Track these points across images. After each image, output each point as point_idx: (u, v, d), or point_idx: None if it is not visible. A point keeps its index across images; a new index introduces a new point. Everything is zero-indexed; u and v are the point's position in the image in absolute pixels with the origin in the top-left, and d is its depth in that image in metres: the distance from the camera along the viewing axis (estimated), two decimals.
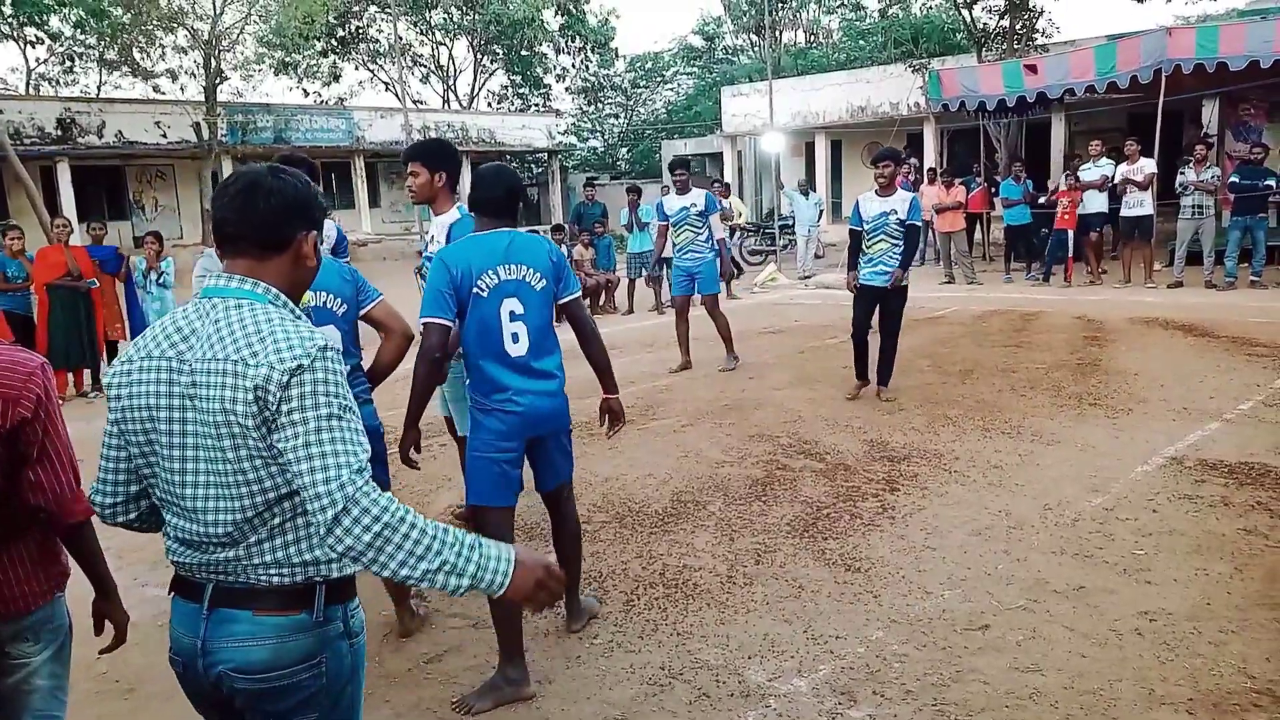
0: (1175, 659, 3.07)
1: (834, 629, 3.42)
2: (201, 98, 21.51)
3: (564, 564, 3.37)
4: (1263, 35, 12.05)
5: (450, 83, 34.16)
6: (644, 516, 4.69)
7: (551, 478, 3.32)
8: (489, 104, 35.15)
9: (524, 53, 33.27)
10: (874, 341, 6.80)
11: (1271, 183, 11.32)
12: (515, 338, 3.09)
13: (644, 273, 12.22)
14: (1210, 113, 15.93)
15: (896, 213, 6.41)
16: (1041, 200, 13.69)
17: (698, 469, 5.42)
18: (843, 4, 35.51)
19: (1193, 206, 11.56)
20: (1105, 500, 4.53)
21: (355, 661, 1.73)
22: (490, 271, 3.06)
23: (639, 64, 39.49)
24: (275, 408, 1.54)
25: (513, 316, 3.08)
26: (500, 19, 30.74)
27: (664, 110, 38.86)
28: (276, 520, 1.60)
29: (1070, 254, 12.73)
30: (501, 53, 33.34)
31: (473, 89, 34.06)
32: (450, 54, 34.02)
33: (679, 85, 39.76)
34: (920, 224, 6.74)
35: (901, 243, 6.45)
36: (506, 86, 35.81)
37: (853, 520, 4.47)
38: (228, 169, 21.45)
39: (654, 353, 9.51)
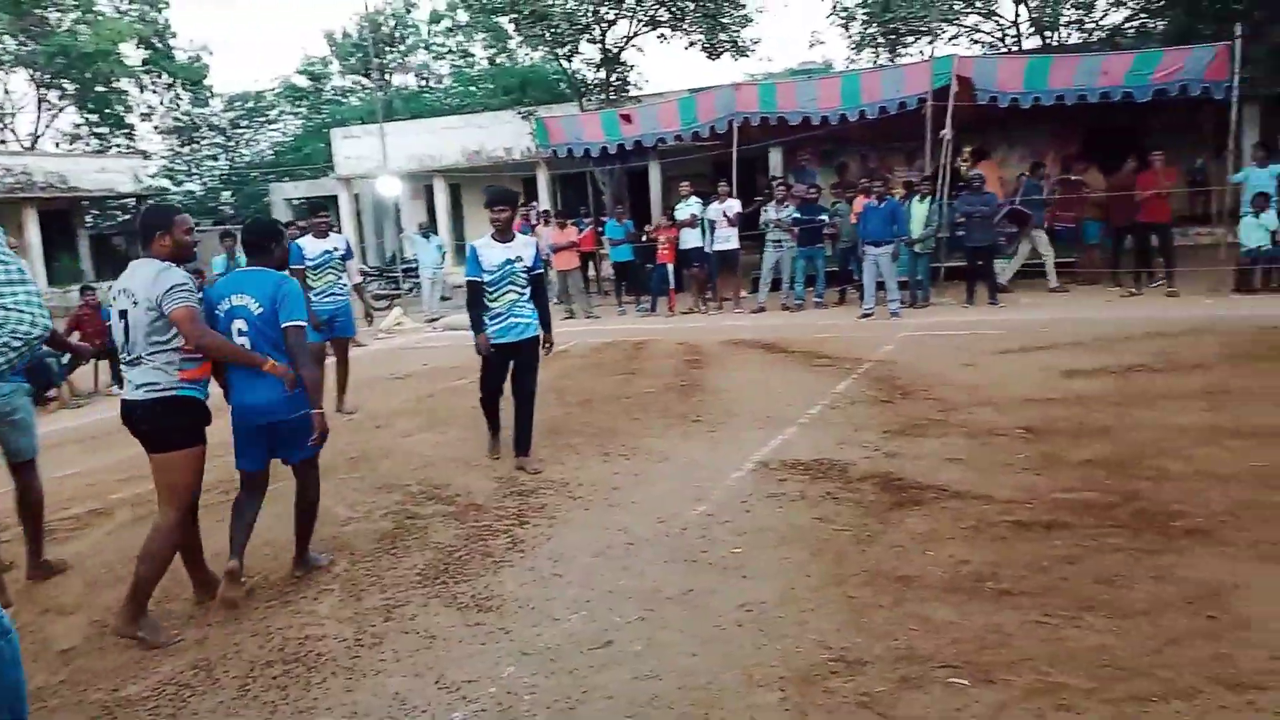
0: (769, 644, 3.43)
1: (466, 673, 3.39)
2: None
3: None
4: (809, 93, 14.15)
5: (8, 120, 29.62)
6: (260, 590, 4.34)
7: (286, 457, 4.35)
8: (56, 144, 30.95)
9: (100, 88, 29.75)
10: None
11: (824, 217, 13.30)
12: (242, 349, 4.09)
13: None
14: (776, 159, 18.37)
15: (522, 260, 5.81)
16: (644, 239, 14.88)
17: (321, 530, 5.11)
18: (451, 51, 36.11)
19: (773, 241, 13.25)
20: (707, 507, 4.97)
21: (13, 652, 2.12)
22: (227, 299, 4.12)
23: (238, 103, 37.07)
24: None
25: (239, 333, 4.08)
26: (68, 51, 27.24)
27: (271, 152, 36.81)
28: None
29: (672, 286, 13.95)
30: (72, 88, 29.55)
31: (36, 128, 29.82)
32: (5, 88, 29.54)
33: (285, 126, 37.90)
34: (543, 270, 6.25)
35: (527, 291, 5.88)
36: (80, 125, 31.76)
37: (484, 560, 4.49)
38: None
39: None
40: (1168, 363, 7.69)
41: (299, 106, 37.73)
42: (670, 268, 13.86)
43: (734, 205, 13.38)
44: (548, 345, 6.09)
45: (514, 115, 22.35)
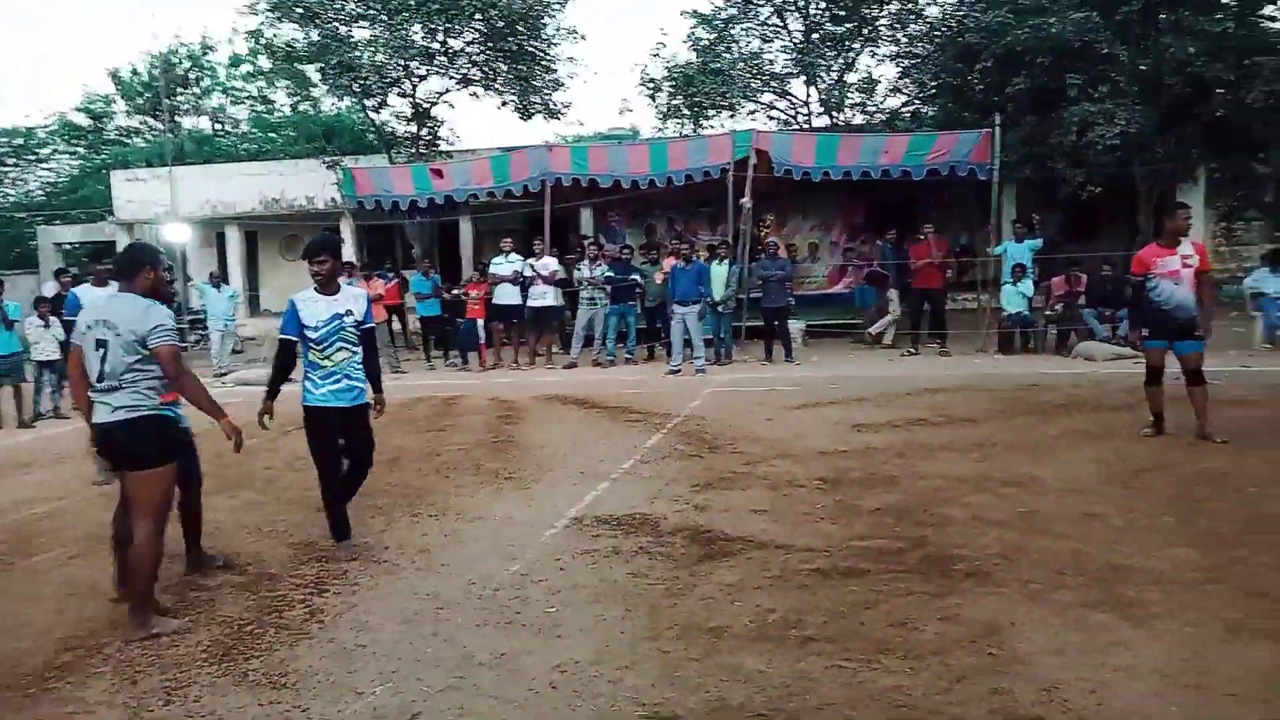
0: (584, 704, 3.39)
1: None
2: None
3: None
4: (619, 157, 14.59)
5: None
6: (16, 677, 3.85)
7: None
8: None
9: None
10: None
11: (636, 277, 13.66)
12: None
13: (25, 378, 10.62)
14: (587, 218, 18.71)
15: (352, 314, 5.25)
16: (455, 292, 14.71)
17: (90, 606, 4.64)
18: (251, 96, 34.63)
19: (587, 298, 13.45)
20: (521, 566, 4.89)
21: None
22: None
23: (4, 139, 33.80)
24: None
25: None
26: None
27: (41, 192, 33.71)
28: None
29: (482, 341, 13.83)
30: None
31: None
32: None
33: (59, 165, 34.87)
34: (374, 325, 5.55)
35: (360, 350, 5.31)
36: None
37: (279, 633, 4.19)
38: None
39: (32, 474, 8.05)
40: (944, 417, 8.35)
41: (76, 145, 34.85)
42: (480, 323, 13.75)
43: (550, 263, 13.52)
44: (379, 407, 5.55)
45: (318, 164, 21.63)
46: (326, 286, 5.31)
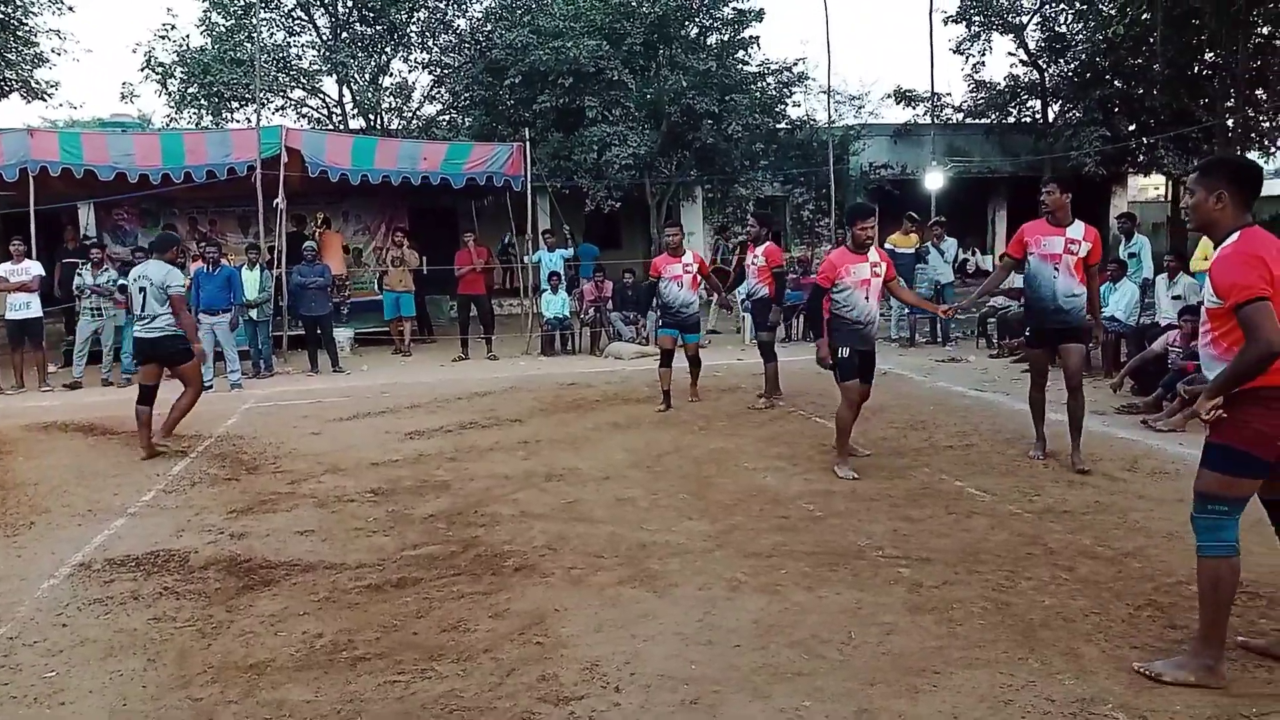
0: None
1: None
2: None
3: None
4: (123, 148, 12.83)
5: None
6: None
7: None
8: None
9: None
10: None
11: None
12: None
13: None
14: (88, 216, 16.25)
15: None
16: None
17: None
18: None
19: (92, 309, 11.68)
20: (9, 629, 4.09)
21: None
22: None
23: None
24: None
25: None
26: None
27: None
28: None
29: None
30: None
31: None
32: None
33: None
34: None
35: None
36: None
37: None
38: None
39: None
40: (492, 418, 8.63)
41: None
42: None
43: (32, 267, 11.48)
44: None
45: None
46: None
